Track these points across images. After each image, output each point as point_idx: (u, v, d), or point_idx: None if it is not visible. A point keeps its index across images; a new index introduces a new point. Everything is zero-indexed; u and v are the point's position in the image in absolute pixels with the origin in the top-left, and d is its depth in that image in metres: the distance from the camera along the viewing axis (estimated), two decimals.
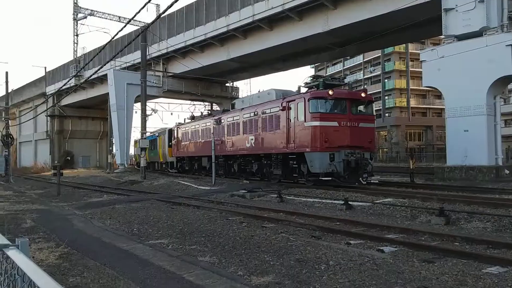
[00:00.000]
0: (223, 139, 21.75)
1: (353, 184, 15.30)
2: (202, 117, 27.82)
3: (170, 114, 43.33)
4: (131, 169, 39.44)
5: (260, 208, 11.38)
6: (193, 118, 29.86)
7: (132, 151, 46.32)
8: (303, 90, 17.30)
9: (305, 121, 15.57)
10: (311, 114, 15.36)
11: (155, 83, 35.81)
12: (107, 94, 37.62)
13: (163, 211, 11.65)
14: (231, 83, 41.12)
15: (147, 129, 30.53)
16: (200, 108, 44.24)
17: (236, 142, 20.57)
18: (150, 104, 42.23)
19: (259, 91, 21.07)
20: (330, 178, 15.11)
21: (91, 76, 23.01)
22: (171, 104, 45.77)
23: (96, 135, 55.04)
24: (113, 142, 40.60)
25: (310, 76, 17.45)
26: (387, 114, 62.57)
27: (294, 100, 16.28)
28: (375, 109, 18.41)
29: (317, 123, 15.25)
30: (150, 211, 11.84)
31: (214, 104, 42.82)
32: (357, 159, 15.13)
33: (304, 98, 15.65)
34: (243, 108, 20.53)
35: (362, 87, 68.15)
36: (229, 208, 11.70)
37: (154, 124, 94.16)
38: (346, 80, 18.43)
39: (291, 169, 16.86)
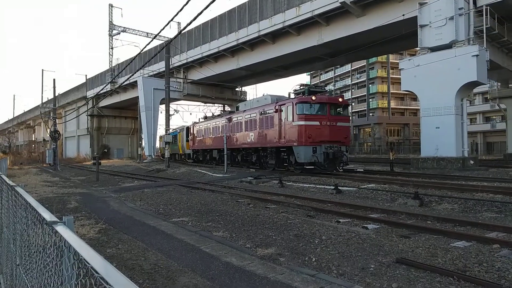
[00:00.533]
0: (229, 135, 22.65)
1: (331, 171, 16.23)
2: (212, 117, 28.79)
3: (189, 114, 43.45)
4: (157, 160, 39.50)
5: (264, 192, 11.40)
6: (205, 118, 30.63)
7: (157, 144, 46.46)
8: (292, 96, 18.40)
9: (293, 121, 16.48)
10: (297, 115, 16.29)
11: (177, 88, 35.79)
12: (137, 97, 37.64)
13: (184, 194, 11.71)
14: (240, 88, 41.01)
15: (170, 126, 30.59)
16: (214, 109, 44.23)
17: (240, 138, 21.51)
18: (172, 106, 42.27)
19: (263, 95, 21.50)
20: (312, 167, 16.17)
21: (123, 82, 23.05)
22: (190, 105, 45.74)
23: (128, 131, 55.17)
24: (142, 137, 40.68)
25: (298, 85, 18.67)
26: (371, 114, 62.17)
27: (285, 104, 17.23)
28: (353, 110, 19.08)
29: (302, 123, 16.18)
30: (173, 194, 11.90)
31: (226, 105, 42.76)
32: (335, 151, 16.09)
33: (293, 103, 16.59)
34: (245, 110, 21.54)
35: (350, 92, 67.66)
36: (239, 192, 11.73)
37: (176, 122, 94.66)
38: (327, 88, 20.36)
39: (282, 160, 17.81)
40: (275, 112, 17.70)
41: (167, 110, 28.00)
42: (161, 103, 36.55)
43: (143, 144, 40.89)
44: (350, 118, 16.98)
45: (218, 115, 27.92)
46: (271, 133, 18.17)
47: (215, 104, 42.27)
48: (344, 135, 16.71)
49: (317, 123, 16.26)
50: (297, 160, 16.28)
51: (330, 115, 16.51)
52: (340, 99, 17.00)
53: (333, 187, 11.33)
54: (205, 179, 16.93)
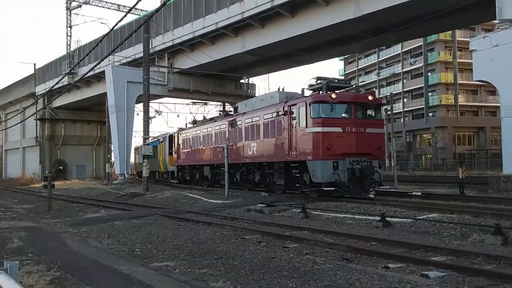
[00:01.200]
0: (223, 146, 23.18)
1: (358, 195, 16.46)
2: (204, 121, 29.12)
3: (177, 116, 43.71)
4: (131, 180, 39.74)
5: (281, 225, 11.37)
6: (194, 122, 31.04)
7: (132, 159, 46.82)
8: (307, 93, 18.53)
9: (306, 126, 16.86)
10: (312, 119, 16.61)
11: (159, 80, 36.29)
12: (105, 94, 38.19)
13: (169, 229, 11.74)
14: (246, 79, 41.30)
15: (150, 134, 30.88)
16: (211, 108, 44.57)
17: (238, 150, 22.01)
18: (153, 105, 42.71)
19: (280, 89, 21.58)
20: (333, 189, 16.21)
21: (86, 73, 23.39)
22: (178, 104, 46.18)
23: (92, 141, 55.85)
24: (112, 149, 41.14)
25: (314, 78, 18.51)
26: (430, 114, 61.82)
27: (296, 104, 17.58)
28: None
29: (319, 129, 16.48)
30: (154, 228, 11.95)
31: (227, 104, 43.04)
32: (363, 167, 16.28)
33: (306, 102, 16.94)
34: (245, 112, 21.98)
35: (401, 83, 67.59)
36: (245, 225, 11.74)
37: (158, 128, 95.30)
38: (361, 81, 20.88)
39: (294, 179, 18.07)
40: (284, 115, 18.13)
41: (146, 111, 28.35)
42: (137, 102, 37.01)
43: (113, 158, 41.35)
44: (385, 123, 19.41)
45: (211, 119, 28.26)
46: (279, 143, 18.62)
47: (212, 103, 42.68)
48: (375, 145, 17.05)
49: (339, 129, 16.60)
50: (312, 180, 16.59)
51: (356, 119, 16.88)
52: (371, 97, 17.36)
53: (379, 218, 11.25)
54: (198, 207, 16.97)
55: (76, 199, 23.90)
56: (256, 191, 20.94)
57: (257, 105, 21.61)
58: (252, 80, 42.16)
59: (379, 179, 16.72)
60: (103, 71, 37.18)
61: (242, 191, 21.99)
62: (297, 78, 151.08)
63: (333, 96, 16.55)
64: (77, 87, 45.41)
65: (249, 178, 21.95)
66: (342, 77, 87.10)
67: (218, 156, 24.20)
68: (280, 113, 18.52)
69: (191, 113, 56.55)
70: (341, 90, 17.98)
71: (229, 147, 22.44)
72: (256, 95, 40.50)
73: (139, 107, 43.93)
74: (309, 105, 16.73)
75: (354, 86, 20.09)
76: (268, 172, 20.26)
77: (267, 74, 42.54)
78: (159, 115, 40.65)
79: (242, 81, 41.43)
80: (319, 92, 17.64)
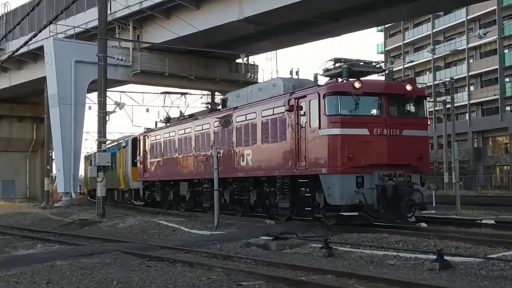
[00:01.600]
0: (207, 154, 24.16)
1: (392, 223, 17.16)
2: (181, 119, 29.47)
3: (146, 110, 43.55)
4: (81, 202, 39.81)
5: (295, 267, 11.32)
6: (168, 120, 31.48)
7: (82, 171, 46.84)
8: (323, 81, 18.91)
9: (319, 127, 17.30)
10: (327, 117, 17.06)
11: (122, 60, 36.33)
12: (44, 79, 38.31)
13: (135, 271, 11.71)
14: (245, 59, 41.28)
15: (108, 136, 30.84)
16: (194, 100, 44.52)
17: (227, 160, 22.54)
18: (113, 95, 42.83)
19: (280, 77, 22.12)
20: (356, 213, 16.57)
21: (18, 49, 23.33)
22: (148, 94, 46.27)
23: (25, 146, 56.01)
24: (53, 157, 41.15)
25: (332, 59, 18.72)
26: (508, 108, 61.85)
27: (305, 96, 18.15)
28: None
29: (336, 131, 16.92)
30: (114, 271, 11.91)
31: (217, 93, 43.09)
32: (398, 184, 16.67)
33: (318, 94, 17.43)
34: (236, 107, 22.64)
35: (466, 63, 67.59)
36: (243, 267, 11.68)
37: (119, 128, 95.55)
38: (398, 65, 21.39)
39: (303, 200, 18.54)
40: (289, 111, 18.63)
41: (103, 104, 28.27)
42: (90, 91, 37.11)
43: (55, 171, 41.32)
44: (427, 121, 19.55)
45: (190, 116, 28.71)
46: (282, 151, 19.09)
47: (196, 92, 42.79)
48: (416, 153, 17.49)
49: (365, 131, 16.97)
50: (328, 201, 16.96)
51: (390, 117, 17.31)
52: (409, 86, 17.66)
53: (435, 257, 11.20)
54: (175, 240, 16.93)
55: (1, 228, 23.87)
56: (255, 217, 21.09)
57: (254, 96, 22.08)
58: (254, 59, 42.26)
59: (421, 201, 17.12)
60: (42, 47, 37.30)
61: (234, 217, 22.19)
62: (318, 60, 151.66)
63: (357, 85, 16.86)
64: (3, 69, 45.59)
65: (242, 199, 22.44)
66: (382, 55, 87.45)
67: (200, 168, 24.95)
68: (283, 109, 19.00)
69: (165, 107, 55.68)
70: (368, 77, 18.29)
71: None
72: (259, 81, 40.52)
73: (93, 98, 43.93)
74: (323, 97, 17.14)
75: (387, 71, 20.69)
76: (268, 191, 20.73)
77: (274, 51, 42.56)
78: (120, 109, 40.58)
79: (239, 61, 41.50)
80: (337, 80, 18.03)
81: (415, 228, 16.22)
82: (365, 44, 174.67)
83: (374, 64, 19.25)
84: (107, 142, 30.99)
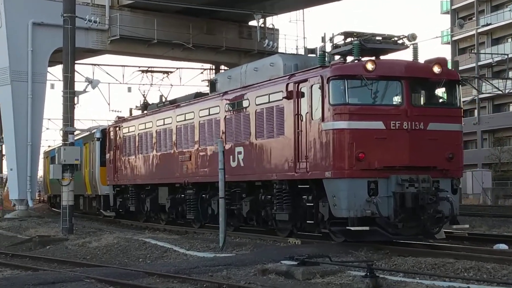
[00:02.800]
0: (190, 151, 25.90)
1: (414, 240, 18.35)
2: (160, 105, 30.57)
3: (127, 90, 43.70)
4: (40, 211, 40.02)
5: None
6: (145, 107, 32.59)
7: (41, 170, 47.06)
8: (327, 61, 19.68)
9: (323, 120, 18.28)
10: (332, 107, 18.01)
11: (95, 22, 36.37)
12: None
13: None
14: (261, 21, 41.33)
15: (77, 124, 31.01)
16: (192, 76, 44.61)
17: (214, 159, 23.07)
18: (83, 69, 42.94)
19: (279, 54, 23.29)
20: (367, 228, 17.37)
21: None
22: (129, 68, 46.32)
23: None
24: (3, 152, 41.40)
25: (342, 33, 19.84)
26: None
27: (307, 80, 19.15)
28: (460, 95, 19.92)
29: (343, 125, 17.90)
30: None
31: (223, 66, 43.17)
32: (420, 191, 17.47)
33: (322, 77, 18.32)
34: (226, 92, 23.95)
35: None
36: None
37: (91, 114, 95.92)
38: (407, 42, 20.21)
39: (305, 210, 19.65)
40: (288, 98, 19.69)
41: (69, 81, 28.39)
42: (53, 63, 37.26)
43: (6, 170, 41.49)
44: (462, 113, 20.05)
45: (171, 102, 29.68)
46: (279, 149, 20.31)
47: (195, 65, 42.93)
48: (445, 153, 18.43)
49: (380, 124, 17.90)
50: (333, 213, 17.94)
51: (411, 107, 18.18)
52: (437, 68, 18.47)
53: None
54: (166, 264, 17.02)
55: None
56: (273, 235, 21.78)
57: (248, 78, 23.12)
58: (273, 21, 42.31)
59: (450, 212, 17.89)
60: None
61: (246, 234, 22.88)
62: (362, 23, 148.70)
63: (370, 66, 17.68)
64: None
65: (234, 209, 23.51)
66: (447, 16, 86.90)
67: (183, 169, 26.39)
68: (281, 95, 19.97)
69: (153, 85, 55.51)
70: (385, 56, 19.43)
71: (201, 153, 24.69)
72: (279, 50, 40.54)
73: (56, 73, 44.14)
74: (327, 82, 17.99)
75: (405, 45, 20.51)
76: (264, 199, 21.79)
77: (300, 10, 42.56)
78: (93, 88, 40.46)
79: (252, 23, 41.56)
80: (344, 60, 18.99)
81: (491, 252, 16.29)
82: (426, 2, 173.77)
83: (395, 39, 19.87)
84: (76, 133, 31.10)
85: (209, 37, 40.11)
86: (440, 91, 18.95)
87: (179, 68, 48.12)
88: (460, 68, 58.24)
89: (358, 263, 14.74)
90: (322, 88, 18.08)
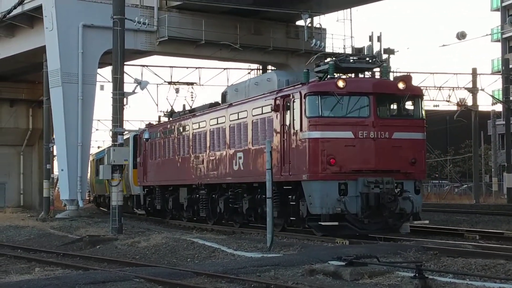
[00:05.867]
0: (203, 155, 28.84)
1: (378, 234, 20.75)
2: (181, 115, 33.34)
3: (175, 91, 43.82)
4: (90, 211, 40.31)
5: None
6: (171, 115, 35.50)
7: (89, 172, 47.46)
8: (314, 77, 22.63)
9: (301, 130, 21.17)
10: (308, 119, 20.90)
11: (144, 23, 36.57)
12: (43, 49, 38.99)
13: None
14: (308, 20, 41.16)
15: (126, 125, 31.20)
16: (241, 75, 44.60)
17: (221, 163, 27.14)
18: (132, 70, 43.24)
19: (274, 71, 26.63)
20: (336, 224, 20.23)
21: (9, 11, 23.65)
22: (178, 68, 46.49)
23: (18, 139, 57.01)
24: (54, 153, 41.80)
25: (321, 54, 24.44)
26: None
27: (290, 95, 22.03)
28: (422, 107, 22.79)
29: (316, 134, 20.78)
30: None
31: (270, 66, 43.12)
32: (384, 192, 20.25)
33: (300, 93, 21.29)
34: (231, 104, 26.97)
35: None
36: None
37: (138, 115, 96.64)
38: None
39: (292, 208, 22.14)
40: (275, 110, 22.56)
41: (119, 83, 28.60)
42: (102, 65, 37.53)
43: (56, 171, 41.88)
44: (424, 123, 22.93)
45: (190, 112, 32.78)
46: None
47: (242, 65, 42.92)
48: (408, 158, 21.34)
49: (349, 134, 20.75)
50: (310, 210, 20.79)
51: (378, 118, 21.05)
52: (402, 84, 21.46)
53: None
54: (214, 265, 17.01)
55: None
56: (305, 234, 22.67)
57: (251, 92, 26.09)
58: (320, 21, 42.13)
59: (411, 210, 20.81)
60: (40, 7, 37.92)
61: (292, 234, 23.25)
62: (407, 22, 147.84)
63: (340, 84, 20.52)
64: None
65: (237, 207, 26.42)
66: (496, 13, 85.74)
67: (197, 171, 29.27)
68: (270, 108, 22.81)
69: (200, 85, 55.67)
70: (355, 75, 22.52)
71: (211, 157, 27.51)
72: (326, 50, 40.38)
73: (106, 74, 44.42)
74: (304, 97, 20.92)
75: (382, 65, 23.74)
76: (259, 198, 24.25)
77: (348, 9, 42.33)
78: (142, 89, 40.80)
79: (300, 23, 41.46)
80: (320, 79, 21.95)
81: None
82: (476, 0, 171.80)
83: (367, 59, 22.98)
84: (125, 132, 31.24)
85: (257, 38, 40.09)
86: (405, 105, 21.71)
87: (227, 68, 48.40)
88: (511, 65, 57.45)
89: (406, 264, 14.69)
90: (300, 102, 20.97)
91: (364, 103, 20.92)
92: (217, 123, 27.34)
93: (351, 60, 22.73)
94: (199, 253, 19.62)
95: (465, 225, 28.56)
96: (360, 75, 23.25)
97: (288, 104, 21.87)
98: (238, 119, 25.51)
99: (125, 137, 34.68)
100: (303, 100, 20.89)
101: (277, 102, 22.37)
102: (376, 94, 20.99)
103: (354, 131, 20.58)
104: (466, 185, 72.42)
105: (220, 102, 29.99)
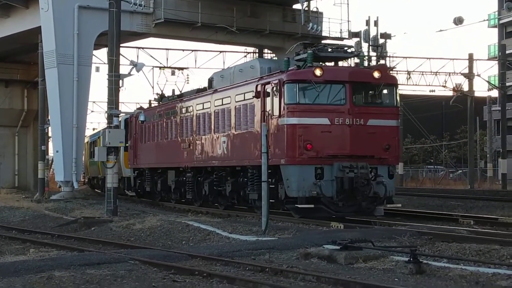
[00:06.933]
0: (189, 139, 30.06)
1: (352, 216, 22.11)
2: (170, 99, 34.81)
3: (171, 73, 43.71)
4: (84, 193, 40.32)
5: (371, 287, 11.32)
6: (161, 99, 36.91)
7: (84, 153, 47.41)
8: (293, 65, 23.40)
9: (279, 116, 22.21)
10: (286, 106, 21.95)
11: (140, 5, 36.47)
12: (38, 30, 38.93)
13: None
14: (305, 4, 41.06)
15: (122, 107, 31.19)
16: (237, 58, 44.56)
17: (206, 147, 28.52)
18: (127, 52, 43.17)
19: (258, 59, 26.72)
20: (312, 206, 21.35)
21: None
22: (173, 51, 46.43)
23: (13, 119, 57.16)
24: (50, 134, 41.78)
25: (301, 43, 24.46)
26: None
27: (269, 83, 23.03)
28: (397, 95, 24.11)
29: (294, 120, 21.87)
30: (129, 286, 12.07)
31: (266, 50, 43.05)
32: (358, 176, 21.28)
33: (279, 81, 22.30)
34: (216, 90, 28.21)
35: None
36: (301, 285, 11.76)
37: (134, 97, 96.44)
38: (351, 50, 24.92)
39: (271, 191, 22.16)
40: (256, 97, 23.56)
41: (114, 64, 28.51)
42: (98, 46, 37.45)
43: (51, 152, 41.88)
44: (398, 111, 25.22)
45: (178, 96, 34.07)
46: (251, 139, 24.28)
47: (238, 48, 42.82)
48: (382, 144, 22.38)
49: (326, 120, 21.78)
50: (287, 193, 21.93)
51: (353, 106, 22.11)
52: (377, 73, 22.47)
53: None
54: (209, 247, 17.14)
55: None
56: (314, 219, 22.55)
57: (236, 78, 27.04)
58: (317, 4, 42.04)
59: (384, 194, 21.93)
60: None
61: (288, 218, 23.66)
62: (406, 7, 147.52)
63: (317, 72, 21.37)
64: None
65: (221, 190, 27.70)
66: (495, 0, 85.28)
67: (184, 155, 30.52)
68: (252, 95, 23.83)
69: (197, 68, 55.90)
70: (335, 64, 23.73)
71: (197, 142, 28.79)
72: (323, 34, 40.34)
73: (101, 56, 44.33)
74: (283, 85, 21.90)
75: (358, 54, 26.01)
76: (242, 181, 25.69)
77: None
78: (137, 71, 40.74)
79: (296, 6, 41.36)
80: (299, 67, 22.66)
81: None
82: None
83: (345, 48, 24.31)
84: (121, 114, 31.18)
85: (253, 21, 40.01)
86: (380, 93, 22.73)
87: (223, 51, 48.31)
88: (507, 51, 57.49)
89: (401, 249, 14.77)
90: (279, 90, 21.96)
91: (340, 91, 21.99)
92: (203, 108, 28.57)
93: (329, 50, 23.52)
94: (194, 236, 19.74)
95: (460, 211, 28.75)
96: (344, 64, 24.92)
97: (268, 91, 22.79)
98: (222, 104, 26.66)
99: None
100: (282, 87, 21.86)
101: (258, 89, 23.29)
102: (352, 82, 22.04)
103: (330, 118, 21.65)
104: (461, 171, 72.49)
105: (207, 87, 30.79)
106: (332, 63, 24.19)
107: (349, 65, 25.15)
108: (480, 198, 38.85)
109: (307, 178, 21.30)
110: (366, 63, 26.74)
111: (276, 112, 22.21)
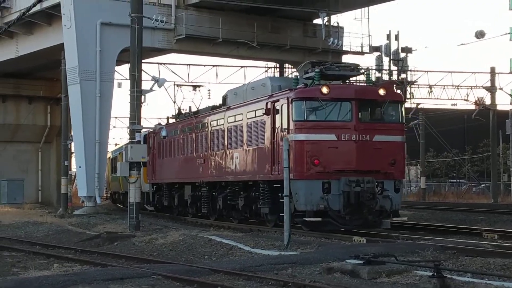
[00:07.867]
0: (204, 155, 30.86)
1: (359, 229, 22.64)
2: (187, 116, 35.12)
3: (192, 89, 43.69)
4: (107, 207, 40.43)
5: None
6: (179, 115, 37.41)
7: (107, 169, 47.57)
8: (301, 84, 24.07)
9: (288, 133, 22.84)
10: (294, 123, 22.70)
11: (161, 21, 36.67)
12: (61, 47, 39.28)
13: None
14: (326, 19, 41.11)
15: (144, 123, 31.28)
16: (259, 73, 44.63)
17: (221, 162, 29.17)
18: (149, 68, 43.34)
19: (269, 77, 26.75)
20: (320, 219, 21.99)
21: (28, 9, 23.76)
22: (195, 66, 46.54)
23: (36, 135, 57.23)
24: (72, 150, 41.97)
25: (309, 62, 25.15)
26: None
27: (279, 100, 23.79)
28: (402, 112, 24.43)
29: (302, 137, 22.65)
30: None
31: (287, 65, 43.09)
32: (364, 190, 21.86)
33: (288, 98, 23.06)
34: (229, 107, 28.97)
35: None
36: None
37: (155, 112, 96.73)
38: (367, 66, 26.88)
39: (281, 206, 22.59)
40: (266, 114, 24.26)
41: (136, 80, 28.64)
42: (120, 62, 37.62)
43: (74, 168, 42.00)
44: (404, 127, 25.45)
45: (194, 113, 34.56)
46: (261, 155, 25.02)
47: (259, 63, 42.86)
48: (388, 159, 23.05)
49: (332, 136, 22.56)
50: (296, 207, 22.47)
51: (359, 122, 22.85)
52: (383, 91, 23.10)
53: None
54: (232, 262, 17.10)
55: (6, 243, 24.44)
56: (336, 233, 22.61)
57: (248, 96, 27.84)
58: (338, 19, 42.04)
59: (390, 207, 22.49)
60: (58, 5, 38.09)
61: (310, 233, 23.36)
62: (426, 21, 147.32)
63: (324, 90, 22.08)
64: (9, 34, 46.34)
65: (234, 204, 28.32)
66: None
67: (199, 170, 31.18)
68: (262, 112, 24.54)
69: (218, 83, 55.94)
70: (341, 82, 24.33)
71: (211, 157, 29.61)
72: (343, 48, 40.34)
73: (123, 72, 44.56)
74: (291, 102, 22.63)
75: (364, 72, 26.80)
76: (254, 196, 26.43)
77: (365, 8, 42.25)
78: (159, 86, 41.01)
79: (317, 21, 41.38)
80: (306, 85, 23.44)
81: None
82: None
83: (351, 67, 24.85)
84: (142, 130, 31.27)
85: (274, 36, 40.04)
86: (386, 110, 23.24)
87: (244, 66, 48.52)
88: None
89: (424, 263, 14.66)
90: (288, 107, 22.66)
91: (346, 108, 22.69)
92: (217, 125, 29.31)
93: (336, 68, 24.11)
94: (216, 251, 19.70)
95: (484, 225, 28.55)
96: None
97: (278, 108, 23.46)
98: (235, 121, 27.40)
99: None
100: (290, 105, 22.59)
101: (268, 106, 24.02)
102: (358, 100, 22.81)
103: (337, 134, 22.38)
104: (484, 185, 72.08)
105: (221, 104, 31.41)
106: (340, 81, 24.89)
107: (356, 81, 26.45)
108: (504, 212, 38.49)
109: (315, 192, 22.03)
110: (374, 78, 26.53)
111: (285, 127, 22.88)
